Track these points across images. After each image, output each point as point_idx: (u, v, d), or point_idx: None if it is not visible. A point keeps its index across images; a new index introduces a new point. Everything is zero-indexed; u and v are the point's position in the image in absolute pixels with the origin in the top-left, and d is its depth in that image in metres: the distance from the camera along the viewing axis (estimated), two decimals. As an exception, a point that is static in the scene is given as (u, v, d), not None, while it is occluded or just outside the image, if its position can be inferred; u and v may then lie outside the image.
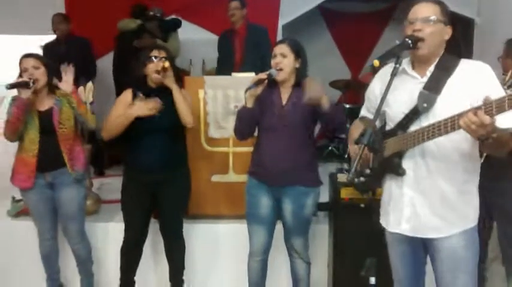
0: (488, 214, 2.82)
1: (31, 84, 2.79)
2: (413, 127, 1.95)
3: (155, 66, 2.82)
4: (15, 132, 2.88)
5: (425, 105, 1.91)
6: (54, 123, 2.92)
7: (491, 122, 1.56)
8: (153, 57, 2.84)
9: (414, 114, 1.95)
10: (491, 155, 1.88)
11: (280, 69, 2.62)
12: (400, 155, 2.01)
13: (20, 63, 2.90)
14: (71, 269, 3.34)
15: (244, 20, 4.52)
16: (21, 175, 2.97)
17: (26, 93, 2.79)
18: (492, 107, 1.54)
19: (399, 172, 2.01)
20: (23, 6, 5.17)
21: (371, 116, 2.15)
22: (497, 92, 1.70)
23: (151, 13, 4.89)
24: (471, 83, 1.85)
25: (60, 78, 2.96)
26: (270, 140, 2.69)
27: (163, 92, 2.84)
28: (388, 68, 1.96)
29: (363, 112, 2.28)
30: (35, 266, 3.30)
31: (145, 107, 2.78)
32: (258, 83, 2.58)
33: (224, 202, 3.60)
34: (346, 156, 5.40)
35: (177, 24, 5.06)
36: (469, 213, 2.00)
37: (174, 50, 4.72)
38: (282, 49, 2.65)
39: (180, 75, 3.12)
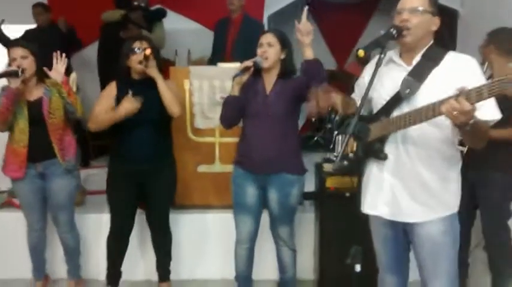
0: (472, 203, 2.88)
1: (20, 73, 2.77)
2: (396, 113, 1.97)
3: (138, 58, 2.80)
4: (4, 122, 2.86)
5: (407, 91, 1.94)
6: (44, 113, 2.89)
7: (472, 109, 1.59)
8: (135, 49, 2.82)
9: (396, 100, 1.98)
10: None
11: (266, 58, 2.64)
12: (382, 140, 2.03)
13: (8, 52, 2.87)
14: (57, 260, 3.34)
15: (241, 11, 4.46)
16: (12, 165, 2.95)
17: (16, 83, 2.76)
18: (473, 94, 1.58)
19: (381, 156, 2.04)
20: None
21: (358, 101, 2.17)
22: None
23: (135, 3, 4.84)
24: (456, 75, 1.87)
25: (48, 66, 2.92)
26: (254, 129, 2.72)
27: (148, 84, 2.82)
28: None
29: None
30: (20, 257, 3.28)
31: (132, 107, 2.76)
32: (244, 70, 2.61)
33: (210, 192, 3.61)
34: (331, 147, 5.45)
35: (161, 14, 5.02)
36: (449, 200, 2.03)
37: (160, 40, 4.69)
38: (269, 38, 2.67)
39: (163, 65, 3.09)
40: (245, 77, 2.64)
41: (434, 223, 2.00)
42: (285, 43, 2.69)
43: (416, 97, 1.93)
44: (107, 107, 2.85)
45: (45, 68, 2.90)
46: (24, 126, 2.90)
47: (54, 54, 2.91)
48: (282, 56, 2.69)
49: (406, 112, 1.89)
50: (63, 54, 2.95)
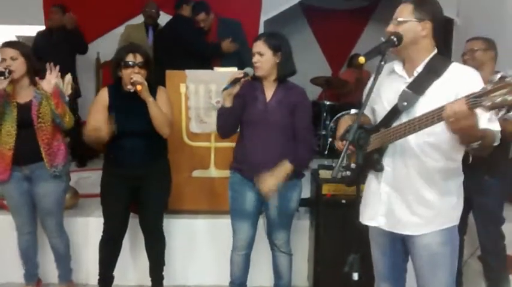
0: (466, 210, 2.86)
1: (6, 74, 2.73)
2: (395, 124, 1.94)
3: (130, 73, 2.71)
4: None
5: (405, 104, 1.92)
6: (33, 117, 2.85)
7: (469, 114, 1.55)
8: (129, 62, 2.75)
9: (395, 112, 1.96)
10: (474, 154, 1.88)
11: (257, 68, 2.61)
12: (380, 151, 2.02)
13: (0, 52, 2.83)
14: (49, 264, 3.28)
15: (215, 18, 4.52)
16: None
17: (1, 84, 2.73)
18: (471, 100, 1.53)
19: (377, 167, 2.03)
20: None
21: (369, 114, 2.15)
22: None
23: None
24: (458, 87, 1.82)
25: (43, 74, 2.85)
26: (253, 136, 2.69)
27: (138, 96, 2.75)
28: (386, 67, 1.94)
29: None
30: (11, 261, 3.23)
31: None
32: (234, 82, 2.55)
33: (205, 197, 3.59)
34: (326, 152, 5.46)
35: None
36: (448, 213, 2.00)
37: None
38: (259, 47, 2.62)
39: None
40: (236, 89, 2.57)
41: (433, 234, 1.98)
42: (277, 47, 2.62)
43: (415, 109, 1.90)
44: (101, 120, 2.79)
45: (37, 78, 2.83)
46: (11, 129, 2.85)
47: (47, 65, 2.83)
48: (277, 60, 2.63)
49: (404, 122, 1.85)
50: (57, 66, 2.85)
